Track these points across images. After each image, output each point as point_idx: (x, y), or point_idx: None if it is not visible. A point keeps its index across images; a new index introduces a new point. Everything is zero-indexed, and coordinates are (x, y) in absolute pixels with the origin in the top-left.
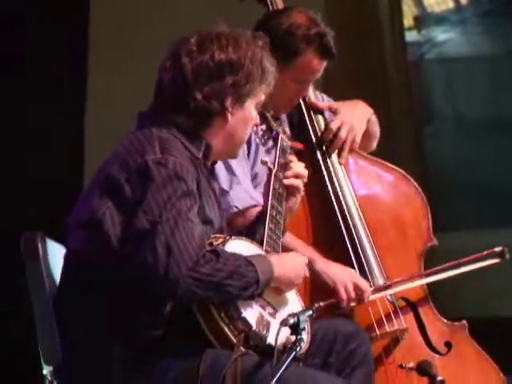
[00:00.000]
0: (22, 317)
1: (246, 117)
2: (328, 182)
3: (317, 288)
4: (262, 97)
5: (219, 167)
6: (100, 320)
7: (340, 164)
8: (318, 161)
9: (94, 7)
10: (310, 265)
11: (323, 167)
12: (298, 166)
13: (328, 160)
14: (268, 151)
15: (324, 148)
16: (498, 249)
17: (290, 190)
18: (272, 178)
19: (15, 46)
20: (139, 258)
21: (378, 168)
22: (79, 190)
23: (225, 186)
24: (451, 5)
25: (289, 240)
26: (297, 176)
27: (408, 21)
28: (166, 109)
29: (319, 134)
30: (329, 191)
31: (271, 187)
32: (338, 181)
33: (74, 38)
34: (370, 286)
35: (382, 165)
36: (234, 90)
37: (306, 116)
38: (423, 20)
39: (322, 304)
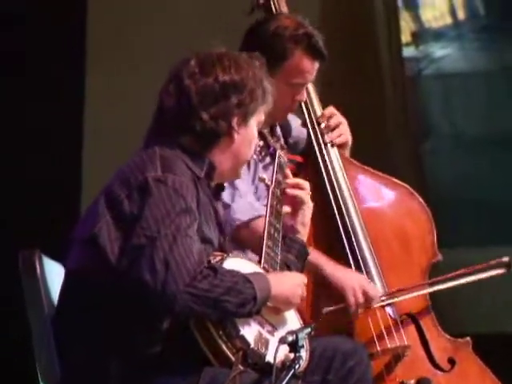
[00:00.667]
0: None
1: (250, 136)
2: (331, 196)
3: (323, 294)
4: (263, 116)
5: None
6: (98, 337)
7: (344, 176)
8: (321, 173)
9: (92, 7)
10: (318, 269)
11: (326, 180)
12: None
13: (331, 172)
14: (265, 168)
15: (323, 146)
16: (505, 259)
17: (294, 203)
18: (269, 195)
19: (15, 46)
20: (137, 273)
21: (383, 183)
22: (77, 190)
23: (227, 199)
24: (449, 20)
25: None
26: (296, 186)
27: (406, 36)
28: (170, 130)
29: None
30: (332, 204)
31: (269, 204)
32: (341, 195)
33: (72, 38)
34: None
35: (386, 179)
36: (239, 109)
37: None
38: (421, 36)
39: (331, 309)
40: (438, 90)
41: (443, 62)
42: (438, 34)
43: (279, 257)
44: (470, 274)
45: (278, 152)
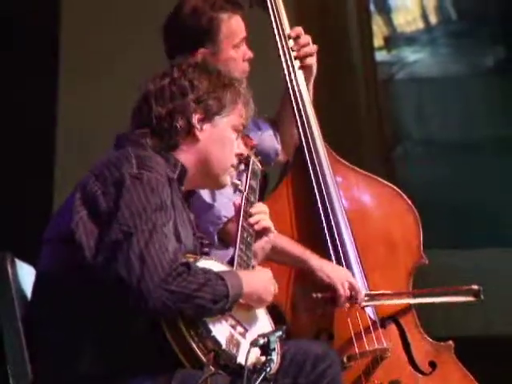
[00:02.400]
0: None
1: (220, 136)
2: (317, 194)
3: (302, 285)
4: (240, 120)
5: None
6: (69, 338)
7: (331, 175)
8: (308, 168)
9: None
10: (305, 263)
11: (313, 178)
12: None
13: (318, 170)
14: (239, 174)
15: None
16: (475, 287)
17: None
18: (243, 201)
19: None
20: (113, 268)
21: (371, 183)
22: (50, 193)
23: (208, 200)
24: (421, 25)
25: (278, 240)
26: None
27: (378, 41)
28: (137, 132)
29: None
30: (317, 202)
31: (242, 209)
32: (327, 194)
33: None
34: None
35: (374, 180)
36: (198, 106)
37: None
38: (393, 40)
39: (319, 295)
40: (411, 95)
41: (415, 67)
42: (411, 38)
43: (252, 260)
44: (442, 294)
45: (252, 159)
